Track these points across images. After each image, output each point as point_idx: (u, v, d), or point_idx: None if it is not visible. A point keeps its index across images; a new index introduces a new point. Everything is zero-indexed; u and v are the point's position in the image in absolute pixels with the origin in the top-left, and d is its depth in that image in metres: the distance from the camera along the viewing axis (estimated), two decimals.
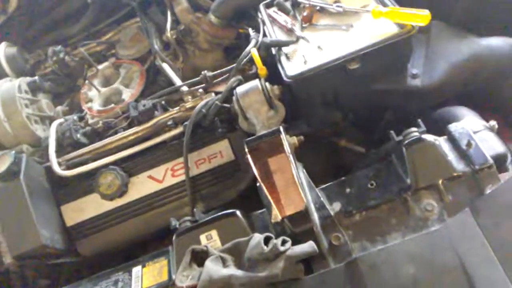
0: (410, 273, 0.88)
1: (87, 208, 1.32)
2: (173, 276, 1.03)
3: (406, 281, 0.87)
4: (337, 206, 1.04)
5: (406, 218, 0.98)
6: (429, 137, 1.03)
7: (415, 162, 1.01)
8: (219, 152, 1.31)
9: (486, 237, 0.89)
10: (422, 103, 1.25)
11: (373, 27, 1.19)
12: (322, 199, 1.05)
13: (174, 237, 1.08)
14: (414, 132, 1.04)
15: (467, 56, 1.25)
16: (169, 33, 1.56)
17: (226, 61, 1.60)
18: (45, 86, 1.55)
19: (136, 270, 1.10)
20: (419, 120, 1.07)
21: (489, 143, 1.03)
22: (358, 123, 1.42)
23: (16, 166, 1.21)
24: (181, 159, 1.29)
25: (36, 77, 1.53)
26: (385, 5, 1.21)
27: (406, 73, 1.23)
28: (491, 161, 0.98)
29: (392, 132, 1.08)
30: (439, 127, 1.09)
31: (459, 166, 1.00)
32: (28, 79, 1.51)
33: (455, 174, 0.99)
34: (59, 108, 1.54)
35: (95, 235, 1.31)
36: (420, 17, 1.09)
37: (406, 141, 1.02)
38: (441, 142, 1.03)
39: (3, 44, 1.65)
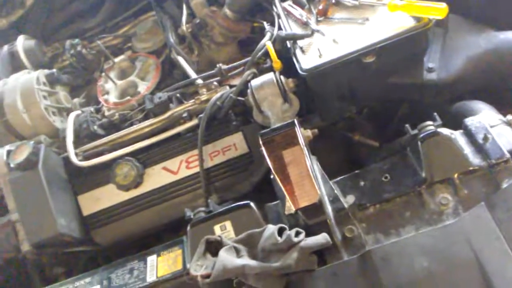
0: (423, 266, 0.88)
1: (103, 198, 1.34)
2: (188, 265, 1.04)
3: (420, 274, 0.87)
4: (351, 199, 1.04)
5: (421, 212, 0.98)
6: (445, 131, 1.02)
7: (430, 156, 1.00)
8: (233, 144, 1.32)
9: (501, 232, 0.88)
10: (438, 97, 1.24)
11: (389, 21, 1.18)
12: (336, 191, 1.05)
13: (188, 227, 1.09)
14: (430, 125, 1.04)
15: (484, 50, 1.24)
16: (184, 27, 1.57)
17: (240, 55, 1.60)
18: (63, 78, 1.57)
19: (151, 259, 1.12)
20: (435, 114, 1.06)
21: (506, 138, 1.02)
22: (372, 117, 1.42)
23: (35, 156, 1.23)
24: (195, 151, 1.31)
25: (54, 70, 1.55)
26: None
27: (422, 67, 1.22)
28: (507, 155, 0.97)
29: (407, 125, 1.07)
30: (455, 121, 1.09)
31: (475, 160, 0.99)
32: (46, 71, 1.53)
33: (471, 168, 0.98)
34: (76, 100, 1.56)
35: (111, 225, 1.33)
36: (437, 10, 1.08)
37: (422, 135, 1.02)
38: (457, 136, 1.03)
39: (22, 37, 1.67)
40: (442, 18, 1.10)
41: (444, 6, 1.08)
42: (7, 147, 1.28)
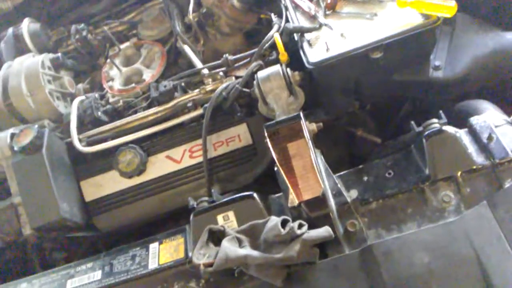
0: (424, 262, 0.89)
1: (106, 184, 1.34)
2: (190, 254, 1.05)
3: (420, 270, 0.89)
4: (354, 193, 1.05)
5: (423, 208, 0.99)
6: (450, 129, 1.03)
7: (434, 153, 1.01)
8: (237, 135, 1.32)
9: (502, 231, 0.89)
10: (443, 95, 1.24)
11: (397, 17, 1.18)
12: (339, 185, 1.06)
13: (191, 216, 1.10)
14: (435, 123, 1.04)
15: (491, 49, 1.24)
16: (191, 16, 1.56)
17: (246, 46, 1.60)
18: (67, 63, 1.57)
19: (153, 246, 1.13)
20: (441, 112, 1.07)
21: (510, 138, 1.03)
22: (375, 114, 1.43)
23: (39, 140, 1.23)
24: (199, 141, 1.31)
25: (59, 54, 1.55)
26: None
27: (428, 64, 1.22)
28: (511, 155, 0.98)
29: (412, 122, 1.08)
30: (460, 120, 1.09)
31: (479, 159, 1.00)
32: (51, 55, 1.53)
33: (474, 167, 0.99)
34: (80, 85, 1.56)
35: (113, 211, 1.34)
36: (446, 8, 1.08)
37: (427, 132, 1.03)
38: (462, 134, 1.03)
39: (26, 19, 1.66)
40: (451, 16, 1.10)
41: (453, 4, 1.08)
42: (11, 130, 1.28)
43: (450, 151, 1.02)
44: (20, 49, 1.62)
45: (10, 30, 1.66)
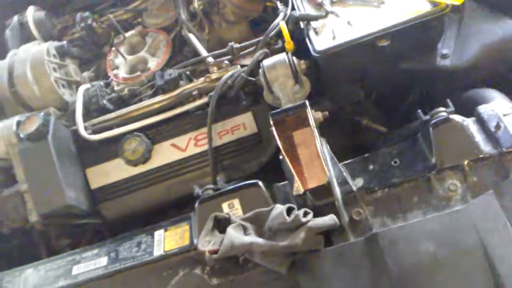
0: (429, 251, 0.89)
1: (111, 172, 1.35)
2: (195, 241, 1.06)
3: (425, 258, 0.88)
4: (359, 182, 1.05)
5: (429, 197, 0.99)
6: (457, 117, 1.02)
7: (441, 142, 1.01)
8: (242, 124, 1.32)
9: (509, 220, 0.89)
10: (451, 84, 1.23)
11: (405, 4, 1.17)
12: (344, 174, 1.05)
13: (196, 204, 1.10)
14: (442, 111, 1.04)
15: (500, 37, 1.23)
16: (196, 4, 1.55)
17: (252, 34, 1.59)
18: (73, 51, 1.56)
19: (159, 233, 1.13)
20: (448, 100, 1.06)
21: None
22: (380, 102, 1.42)
23: (45, 127, 1.23)
24: (204, 129, 1.31)
25: (64, 42, 1.55)
26: None
27: (436, 53, 1.21)
28: None
29: (419, 111, 1.07)
30: (467, 109, 1.08)
31: (486, 148, 0.99)
32: (56, 43, 1.52)
33: (481, 155, 0.98)
34: (85, 74, 1.56)
35: (118, 199, 1.35)
36: None
37: (434, 121, 1.02)
38: (469, 123, 1.03)
39: (31, 7, 1.66)
40: (459, 4, 1.09)
41: None
42: (17, 118, 1.28)
43: (457, 139, 1.01)
44: (25, 37, 1.62)
45: (15, 18, 1.66)
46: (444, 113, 1.04)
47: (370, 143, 1.32)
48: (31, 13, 1.65)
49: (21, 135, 1.23)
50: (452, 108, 1.04)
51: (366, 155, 1.10)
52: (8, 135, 1.27)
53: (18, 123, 1.26)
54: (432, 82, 1.24)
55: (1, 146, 1.28)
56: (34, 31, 1.62)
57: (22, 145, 1.23)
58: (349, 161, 1.10)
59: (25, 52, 1.46)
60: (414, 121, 1.16)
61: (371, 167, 1.07)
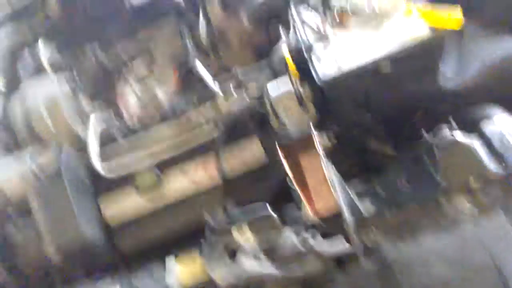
0: (442, 272, 0.90)
1: (124, 203, 1.36)
2: (207, 270, 1.07)
3: (438, 280, 0.89)
4: (368, 205, 1.06)
5: (438, 218, 0.99)
6: (462, 138, 1.03)
7: (448, 163, 1.02)
8: (251, 150, 1.34)
9: None
10: (454, 104, 1.24)
11: (405, 29, 1.19)
12: (353, 198, 1.07)
13: (207, 232, 1.12)
14: (446, 132, 1.05)
15: (501, 57, 1.24)
16: (202, 34, 1.60)
17: (256, 60, 1.62)
18: (83, 83, 1.60)
19: (171, 262, 1.14)
20: (451, 119, 1.07)
21: None
22: (386, 123, 1.43)
23: (59, 161, 1.26)
24: (213, 157, 1.33)
25: (75, 74, 1.59)
26: (417, 4, 1.21)
27: (438, 73, 1.23)
28: None
29: (423, 131, 1.08)
30: (470, 126, 1.09)
31: (492, 166, 1.00)
32: (68, 75, 1.56)
33: (488, 175, 0.99)
34: (96, 105, 1.59)
35: (132, 230, 1.36)
36: (452, 21, 1.09)
37: (439, 142, 1.03)
38: (475, 142, 1.04)
39: (42, 40, 1.70)
40: (457, 29, 1.11)
41: (459, 16, 1.09)
42: (32, 152, 1.31)
43: (463, 159, 1.02)
44: (37, 69, 1.66)
45: (27, 51, 1.70)
46: (449, 133, 1.05)
47: (378, 165, 1.33)
48: (42, 46, 1.69)
49: (36, 171, 1.25)
50: (456, 128, 1.06)
51: (374, 178, 1.12)
52: (23, 171, 1.30)
53: (33, 158, 1.28)
54: (436, 102, 1.26)
55: (16, 182, 1.31)
56: (46, 65, 1.66)
57: (36, 180, 1.26)
58: (357, 185, 1.11)
59: (37, 85, 1.49)
60: (416, 138, 1.16)
61: (379, 190, 1.08)
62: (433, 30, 1.14)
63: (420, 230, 0.99)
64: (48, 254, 1.23)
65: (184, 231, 1.38)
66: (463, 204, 0.99)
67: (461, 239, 0.93)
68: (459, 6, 1.11)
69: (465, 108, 1.26)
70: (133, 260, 1.34)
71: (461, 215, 0.98)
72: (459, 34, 1.30)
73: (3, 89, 1.57)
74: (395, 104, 1.29)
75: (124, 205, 1.37)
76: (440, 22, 1.11)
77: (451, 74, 1.23)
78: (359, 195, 1.08)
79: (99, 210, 1.37)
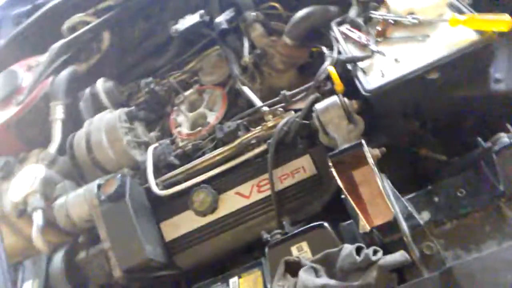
0: (509, 281, 0.86)
1: (182, 224, 1.43)
2: (268, 286, 1.09)
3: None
4: (426, 215, 1.04)
5: (501, 225, 0.97)
6: None
7: (507, 168, 0.99)
8: (302, 167, 1.37)
9: None
10: (507, 108, 1.21)
11: (451, 36, 1.19)
12: (409, 208, 1.06)
13: (266, 249, 1.14)
14: (503, 137, 1.03)
15: None
16: (246, 58, 1.67)
17: (301, 80, 1.66)
18: (140, 114, 1.71)
19: (233, 280, 1.18)
20: (508, 124, 1.05)
21: None
22: (437, 131, 1.41)
23: (122, 188, 1.34)
24: (266, 175, 1.36)
25: (133, 107, 1.70)
26: (461, 12, 1.21)
27: (488, 78, 1.21)
28: None
29: (479, 138, 1.06)
30: None
31: None
32: (126, 109, 1.67)
33: None
34: (152, 134, 1.69)
35: (191, 249, 1.42)
36: (501, 23, 1.08)
37: (496, 147, 1.01)
38: None
39: (101, 80, 1.84)
40: (507, 31, 1.09)
41: (508, 18, 1.07)
42: (97, 181, 1.41)
43: None
44: (97, 106, 1.79)
45: (87, 90, 1.84)
46: (506, 139, 1.02)
47: (431, 174, 1.31)
48: (101, 84, 1.83)
49: (102, 197, 1.34)
50: None
51: (429, 187, 1.10)
52: (90, 198, 1.40)
53: (99, 186, 1.38)
54: (487, 107, 1.23)
55: (85, 209, 1.41)
56: (105, 100, 1.79)
57: (103, 206, 1.34)
58: (412, 194, 1.10)
59: (99, 120, 1.61)
60: (473, 147, 1.15)
61: (436, 199, 1.07)
62: (481, 33, 1.13)
63: (483, 238, 0.96)
64: (115, 275, 1.30)
65: (242, 249, 1.42)
66: None
67: None
68: (507, 14, 1.09)
69: None
70: (192, 278, 1.39)
71: None
72: (508, 37, 1.28)
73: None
74: (445, 110, 1.27)
75: (184, 227, 1.43)
76: (488, 25, 1.09)
77: (502, 77, 1.20)
78: (415, 204, 1.07)
79: (160, 231, 1.43)
